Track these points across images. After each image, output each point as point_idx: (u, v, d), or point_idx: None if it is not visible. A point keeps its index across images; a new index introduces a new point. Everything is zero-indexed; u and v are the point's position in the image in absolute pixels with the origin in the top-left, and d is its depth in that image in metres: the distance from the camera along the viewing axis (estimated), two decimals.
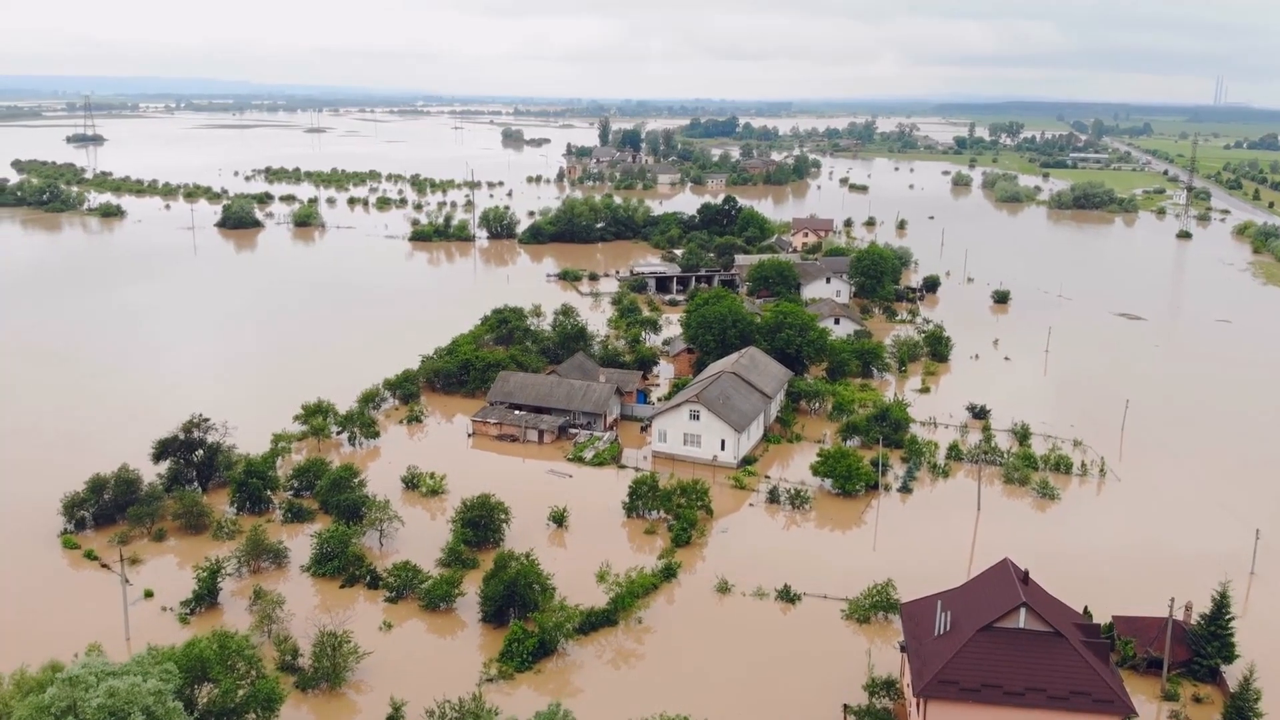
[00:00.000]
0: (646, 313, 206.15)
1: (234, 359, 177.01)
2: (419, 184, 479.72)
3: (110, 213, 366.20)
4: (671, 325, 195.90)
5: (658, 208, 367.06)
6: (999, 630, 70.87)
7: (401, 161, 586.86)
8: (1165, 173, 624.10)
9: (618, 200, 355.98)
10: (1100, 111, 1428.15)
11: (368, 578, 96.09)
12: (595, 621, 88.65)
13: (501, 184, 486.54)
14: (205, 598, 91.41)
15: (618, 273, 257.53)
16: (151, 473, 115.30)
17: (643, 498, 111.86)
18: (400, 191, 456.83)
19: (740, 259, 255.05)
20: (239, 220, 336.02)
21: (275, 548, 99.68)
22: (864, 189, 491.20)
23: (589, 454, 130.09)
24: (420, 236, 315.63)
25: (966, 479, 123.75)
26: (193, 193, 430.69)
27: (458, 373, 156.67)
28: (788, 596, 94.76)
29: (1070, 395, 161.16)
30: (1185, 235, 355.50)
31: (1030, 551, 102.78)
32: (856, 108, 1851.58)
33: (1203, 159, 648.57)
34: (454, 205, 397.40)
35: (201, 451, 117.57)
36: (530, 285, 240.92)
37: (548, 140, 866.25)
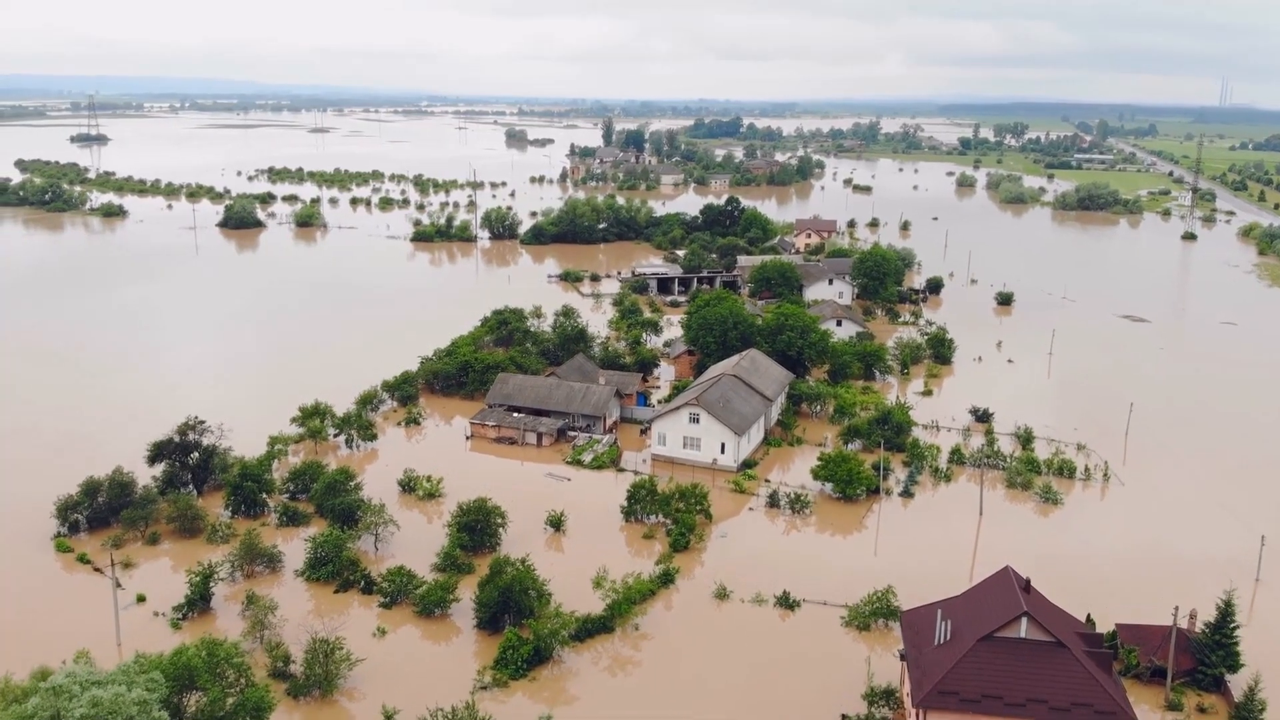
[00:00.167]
0: (648, 314, 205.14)
1: (234, 359, 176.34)
2: (422, 184, 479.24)
3: (112, 213, 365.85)
4: (673, 327, 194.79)
5: (660, 208, 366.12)
6: (1000, 640, 69.75)
7: (405, 162, 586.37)
8: (1170, 174, 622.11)
9: (620, 201, 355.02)
10: (1105, 112, 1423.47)
11: (362, 583, 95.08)
12: (591, 628, 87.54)
13: (504, 184, 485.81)
14: (198, 603, 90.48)
15: (619, 274, 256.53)
16: (147, 475, 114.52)
17: (641, 502, 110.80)
18: (403, 192, 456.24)
19: (743, 260, 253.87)
20: (240, 220, 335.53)
21: (269, 552, 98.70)
22: (868, 190, 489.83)
23: (588, 457, 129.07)
24: (422, 237, 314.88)
25: (969, 483, 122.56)
26: (195, 193, 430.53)
27: (456, 374, 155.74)
28: (787, 603, 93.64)
29: (1074, 398, 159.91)
30: (1190, 237, 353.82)
31: (1033, 557, 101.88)
32: (861, 108, 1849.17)
33: (1208, 160, 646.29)
34: (456, 206, 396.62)
35: (197, 454, 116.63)
36: (531, 286, 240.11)
37: (551, 140, 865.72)
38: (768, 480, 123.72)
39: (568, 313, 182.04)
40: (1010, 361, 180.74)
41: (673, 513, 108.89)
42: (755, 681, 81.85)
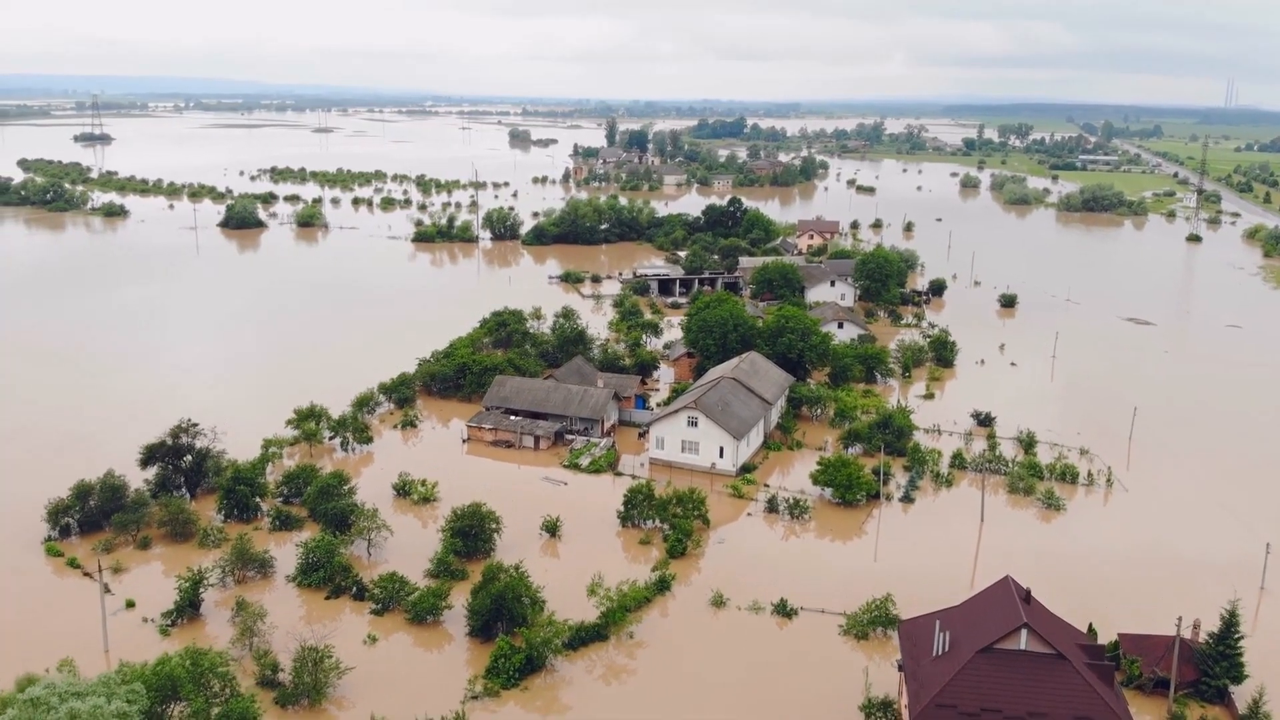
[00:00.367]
0: (648, 315, 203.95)
1: (234, 360, 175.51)
2: (424, 184, 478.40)
3: (113, 212, 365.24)
4: (673, 328, 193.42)
5: (663, 209, 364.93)
6: (999, 652, 68.38)
7: (407, 162, 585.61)
8: (1175, 175, 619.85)
9: (623, 201, 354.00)
10: (1110, 113, 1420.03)
11: (354, 589, 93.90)
12: (585, 636, 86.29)
13: (507, 185, 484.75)
14: (187, 609, 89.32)
15: (620, 275, 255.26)
16: (139, 478, 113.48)
17: (638, 507, 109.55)
18: (405, 192, 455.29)
19: (744, 261, 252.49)
20: (241, 220, 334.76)
21: (260, 557, 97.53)
22: (871, 191, 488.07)
23: (585, 461, 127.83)
24: (423, 237, 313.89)
25: (970, 488, 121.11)
26: (197, 192, 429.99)
27: (454, 376, 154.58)
28: (784, 611, 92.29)
29: (1077, 401, 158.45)
30: (1195, 239, 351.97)
31: (1034, 564, 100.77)
32: (865, 109, 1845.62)
33: (1213, 161, 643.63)
34: (458, 206, 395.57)
35: (190, 457, 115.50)
36: (532, 287, 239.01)
37: (555, 141, 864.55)
38: (767, 485, 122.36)
39: (567, 314, 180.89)
40: (1013, 364, 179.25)
41: (670, 518, 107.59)
42: (751, 691, 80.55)
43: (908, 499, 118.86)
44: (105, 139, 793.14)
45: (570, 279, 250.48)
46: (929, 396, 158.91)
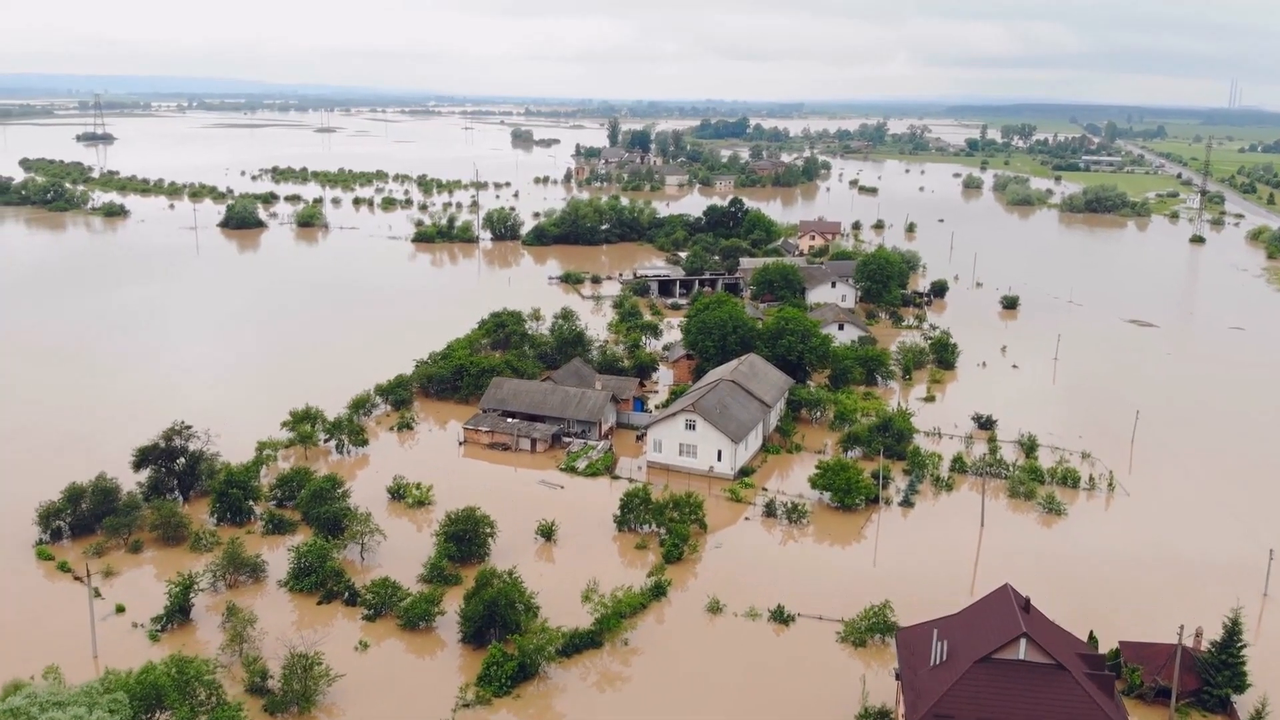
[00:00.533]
0: (648, 317, 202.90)
1: (233, 360, 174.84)
2: (425, 184, 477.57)
3: (113, 212, 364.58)
4: (673, 330, 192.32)
5: (664, 209, 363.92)
6: (998, 662, 67.22)
7: (409, 162, 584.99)
8: (1179, 176, 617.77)
9: (624, 202, 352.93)
10: (1113, 114, 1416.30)
11: (346, 594, 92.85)
12: (579, 643, 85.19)
13: (508, 185, 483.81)
14: (177, 614, 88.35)
15: (620, 275, 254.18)
16: (132, 481, 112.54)
17: (634, 511, 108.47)
18: (406, 192, 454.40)
19: (745, 262, 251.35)
20: (241, 220, 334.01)
21: (252, 562, 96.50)
22: (874, 191, 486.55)
23: (582, 464, 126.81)
24: (423, 238, 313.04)
25: (970, 492, 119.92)
26: (198, 192, 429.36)
27: (451, 378, 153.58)
28: (781, 617, 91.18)
29: (1079, 404, 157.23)
30: (1198, 240, 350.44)
31: (1035, 570, 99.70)
32: (868, 109, 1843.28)
33: (1217, 162, 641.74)
34: (459, 206, 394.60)
35: (183, 460, 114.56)
36: (532, 288, 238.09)
37: (557, 141, 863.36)
38: (765, 489, 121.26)
39: (566, 315, 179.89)
40: (1015, 367, 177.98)
41: (666, 522, 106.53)
42: (746, 699, 79.47)
43: (907, 503, 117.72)
44: (107, 139, 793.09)
45: (570, 280, 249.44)
46: (930, 399, 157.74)
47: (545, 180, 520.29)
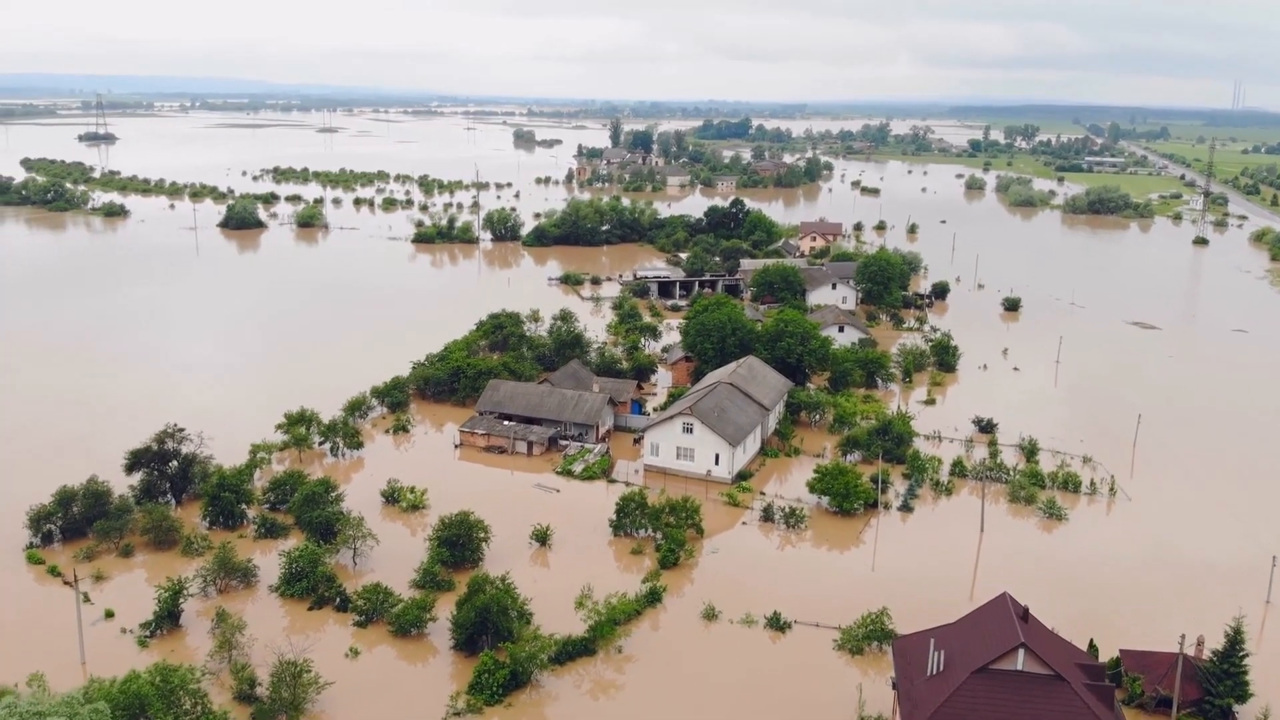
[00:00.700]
0: (648, 318, 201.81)
1: (231, 361, 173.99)
2: (426, 185, 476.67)
3: (114, 212, 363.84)
4: (672, 331, 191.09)
5: (666, 210, 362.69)
6: (995, 672, 66.12)
7: (411, 162, 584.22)
8: (1182, 177, 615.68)
9: (625, 202, 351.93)
10: (1117, 115, 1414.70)
11: (337, 599, 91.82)
12: (572, 650, 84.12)
13: (510, 185, 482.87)
14: (166, 620, 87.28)
15: (620, 276, 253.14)
16: (125, 484, 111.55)
17: (630, 515, 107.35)
18: (407, 192, 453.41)
19: (745, 263, 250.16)
20: (241, 220, 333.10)
21: (243, 566, 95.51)
22: (876, 192, 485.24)
23: (578, 467, 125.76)
24: (423, 238, 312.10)
25: (970, 497, 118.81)
26: (198, 192, 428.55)
27: (448, 380, 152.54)
28: (777, 624, 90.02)
29: (1081, 407, 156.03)
30: (1202, 241, 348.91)
31: (1035, 575, 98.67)
32: (871, 110, 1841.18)
33: (1220, 163, 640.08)
34: (460, 207, 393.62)
35: (175, 463, 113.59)
36: (532, 289, 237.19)
37: (559, 141, 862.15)
38: (763, 493, 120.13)
39: (565, 317, 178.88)
40: (1016, 369, 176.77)
41: (663, 527, 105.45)
42: (741, 708, 78.36)
43: (906, 508, 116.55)
44: (109, 138, 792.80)
45: (570, 281, 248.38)
46: (930, 402, 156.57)
47: (547, 181, 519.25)
